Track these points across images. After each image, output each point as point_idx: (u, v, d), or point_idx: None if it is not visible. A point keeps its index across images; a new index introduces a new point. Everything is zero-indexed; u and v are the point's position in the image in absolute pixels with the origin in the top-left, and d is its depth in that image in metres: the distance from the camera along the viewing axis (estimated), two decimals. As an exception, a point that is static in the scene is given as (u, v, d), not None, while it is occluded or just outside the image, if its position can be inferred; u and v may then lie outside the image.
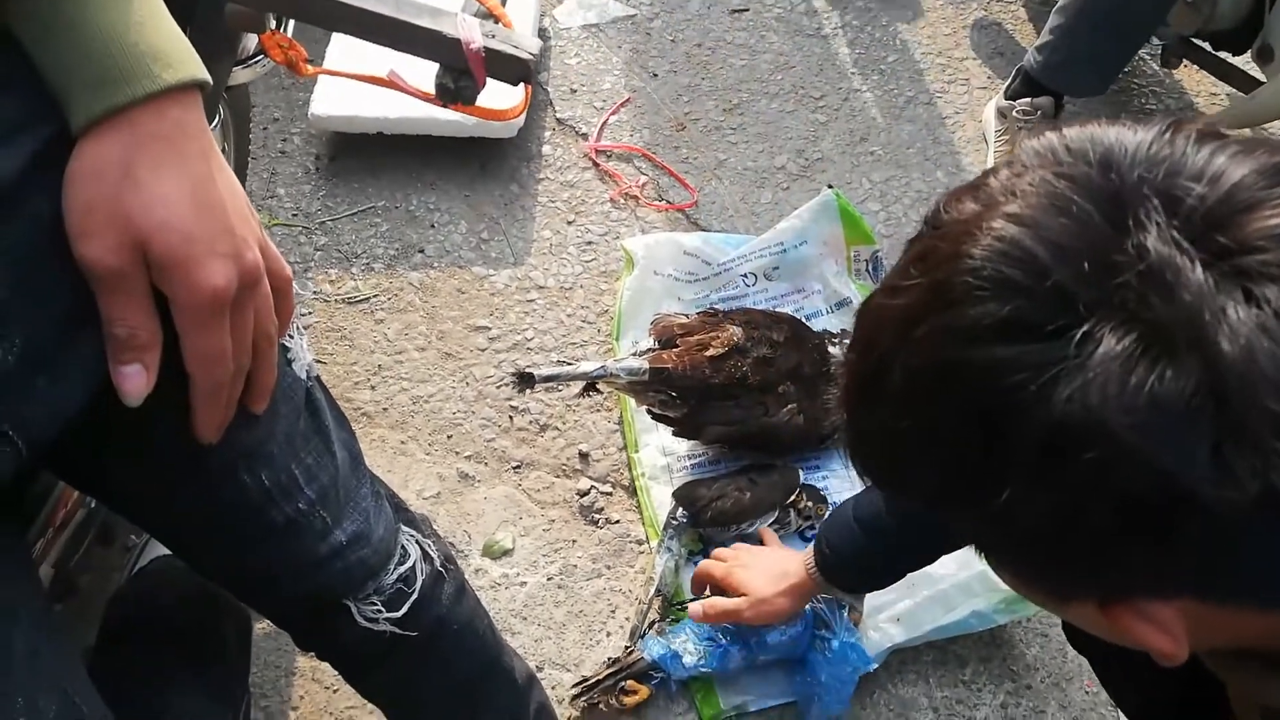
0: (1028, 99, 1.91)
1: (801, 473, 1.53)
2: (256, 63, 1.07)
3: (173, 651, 0.99)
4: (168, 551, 1.06)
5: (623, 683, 1.34)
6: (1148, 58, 2.16)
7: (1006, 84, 1.99)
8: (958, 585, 1.36)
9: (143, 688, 0.92)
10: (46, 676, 0.64)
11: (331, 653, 0.95)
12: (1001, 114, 1.96)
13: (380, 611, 0.86)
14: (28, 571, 0.71)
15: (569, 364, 1.67)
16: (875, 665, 1.35)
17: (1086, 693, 1.39)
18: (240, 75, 1.08)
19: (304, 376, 0.74)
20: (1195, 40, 1.94)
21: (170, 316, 0.57)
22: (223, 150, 1.12)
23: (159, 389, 0.58)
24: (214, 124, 1.07)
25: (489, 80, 0.96)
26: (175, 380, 0.59)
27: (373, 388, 1.68)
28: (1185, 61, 2.01)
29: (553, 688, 1.37)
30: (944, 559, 1.43)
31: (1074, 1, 1.85)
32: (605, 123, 2.02)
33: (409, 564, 0.88)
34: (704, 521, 1.45)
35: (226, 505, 0.73)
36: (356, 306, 1.78)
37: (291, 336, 0.73)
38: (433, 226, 1.88)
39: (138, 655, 0.97)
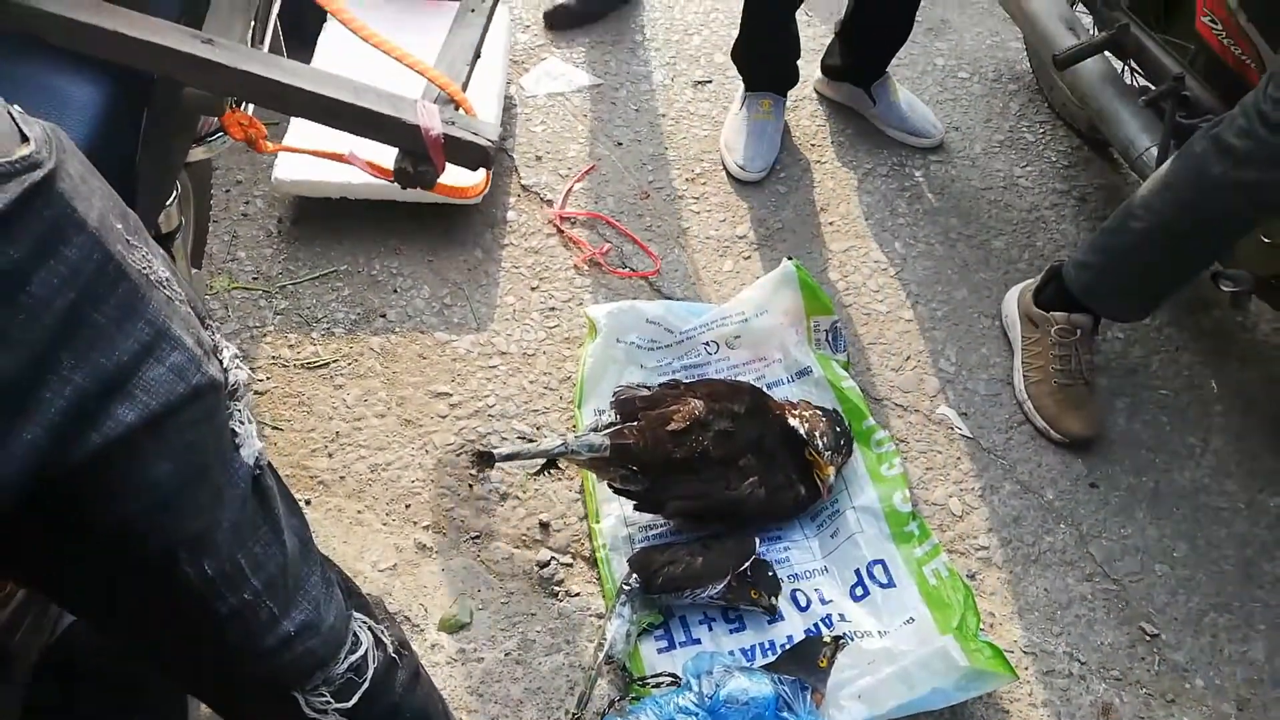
0: (1065, 315, 1.73)
1: (763, 544, 1.52)
2: (216, 139, 1.07)
3: (107, 700, 0.94)
4: None
5: (581, 765, 1.31)
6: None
7: (1037, 283, 1.80)
8: (919, 662, 1.36)
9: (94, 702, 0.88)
10: None
11: (278, 744, 0.92)
12: (1032, 321, 1.78)
13: (329, 703, 0.84)
14: None
15: (530, 440, 1.66)
16: (837, 746, 1.33)
17: (1047, 770, 1.39)
18: (199, 152, 1.08)
19: (251, 463, 0.73)
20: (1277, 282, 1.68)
21: None
22: (179, 223, 1.11)
23: (98, 482, 0.56)
24: (171, 199, 1.06)
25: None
26: (116, 475, 0.58)
27: (330, 455, 1.65)
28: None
29: (509, 770, 1.34)
30: (905, 635, 1.43)
31: (1123, 230, 1.64)
32: (570, 190, 2.04)
33: (360, 652, 0.86)
34: (655, 586, 1.44)
35: (166, 595, 0.71)
36: (316, 372, 1.75)
37: (241, 423, 0.71)
38: (395, 291, 1.87)
39: (70, 706, 0.92)
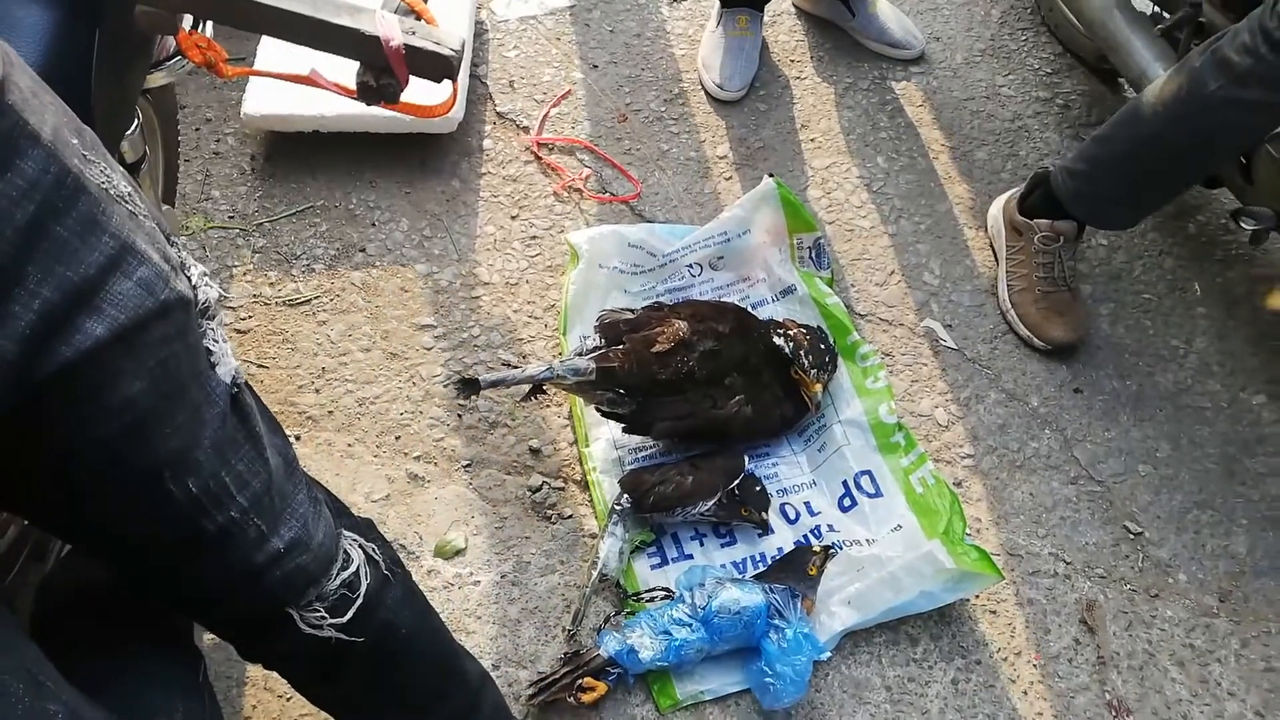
0: (1048, 222, 1.71)
1: (751, 461, 1.54)
2: (175, 64, 1.04)
3: (115, 619, 0.95)
4: None
5: (580, 680, 1.34)
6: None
7: (1022, 191, 1.77)
8: (906, 566, 1.38)
9: (91, 656, 0.89)
10: (9, 659, 0.62)
11: (277, 662, 0.94)
12: (1016, 229, 1.76)
13: (324, 618, 0.85)
14: None
15: (514, 367, 1.66)
16: (829, 653, 1.37)
17: (1034, 665, 1.42)
18: (158, 77, 1.05)
19: (229, 381, 0.73)
20: None
21: None
22: (144, 154, 1.09)
23: (73, 401, 0.56)
24: (133, 127, 1.03)
25: (414, 77, 0.94)
26: (90, 393, 0.58)
27: (317, 391, 1.65)
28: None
29: (509, 685, 1.37)
30: (893, 541, 1.45)
31: (1114, 139, 1.62)
32: (546, 115, 2.00)
33: (352, 569, 0.87)
34: (647, 506, 1.45)
35: (154, 517, 0.71)
36: (298, 309, 1.74)
37: (216, 341, 0.71)
38: (373, 225, 1.85)
39: (79, 629, 0.93)
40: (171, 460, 0.69)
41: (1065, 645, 1.44)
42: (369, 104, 0.95)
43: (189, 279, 0.71)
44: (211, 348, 0.71)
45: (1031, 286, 1.73)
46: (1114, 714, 1.39)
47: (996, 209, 1.85)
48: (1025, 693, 1.40)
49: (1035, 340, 1.72)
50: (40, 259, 0.59)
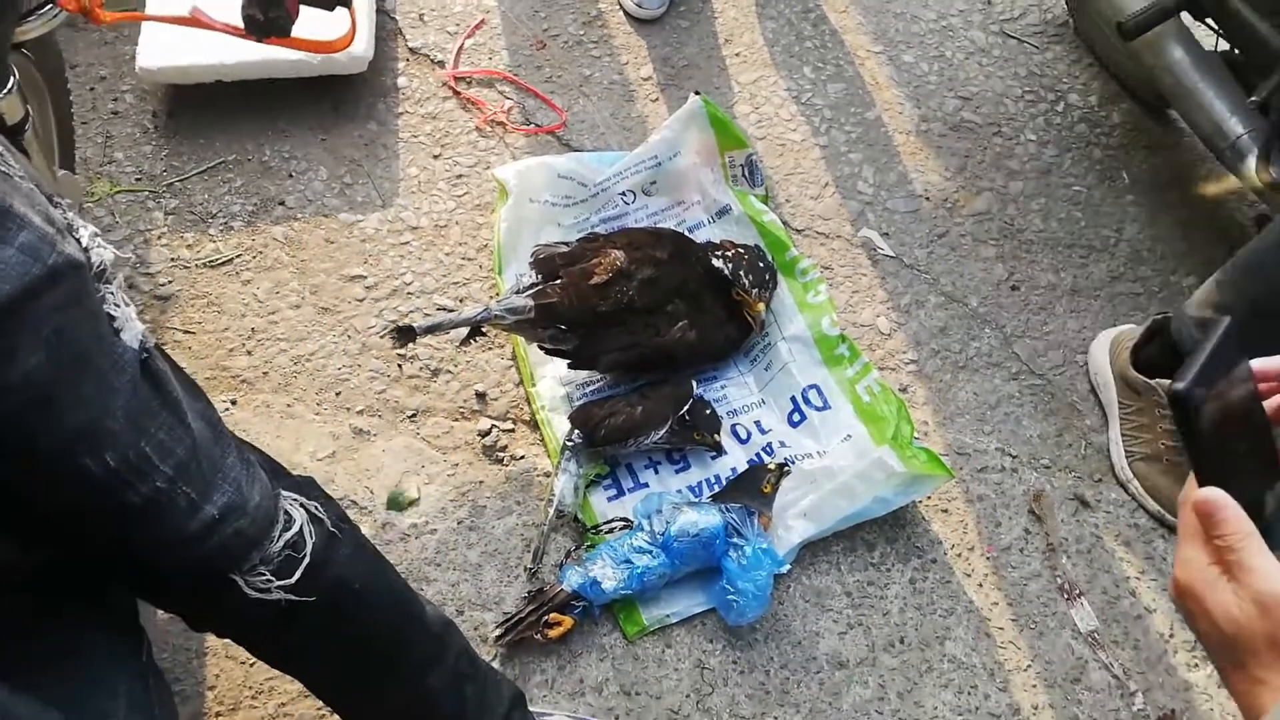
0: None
1: (699, 385, 1.53)
2: (48, 12, 0.97)
3: (46, 600, 0.91)
4: None
5: (545, 616, 1.34)
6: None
7: (1136, 340, 1.52)
8: (858, 474, 1.40)
9: (23, 638, 0.85)
10: None
11: (228, 630, 0.92)
12: (1133, 389, 1.51)
13: (270, 581, 0.83)
14: None
15: (451, 309, 1.62)
16: (788, 566, 1.38)
17: (987, 558, 1.46)
18: (31, 28, 0.97)
19: (136, 346, 0.69)
20: None
21: None
22: (26, 115, 1.01)
23: None
24: (9, 87, 0.96)
25: (304, 8, 0.89)
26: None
27: (249, 353, 1.60)
28: None
29: (475, 629, 1.36)
30: (843, 451, 1.46)
31: (1251, 283, 1.35)
32: (461, 48, 1.93)
33: (295, 529, 0.85)
34: (598, 440, 1.45)
35: (74, 493, 0.68)
36: (220, 269, 1.68)
37: (118, 305, 0.67)
38: (290, 176, 1.77)
39: (9, 609, 0.89)
40: (83, 434, 0.66)
41: (1016, 536, 1.48)
42: (259, 39, 0.90)
43: (78, 241, 0.66)
44: (113, 312, 0.67)
45: (1159, 455, 1.48)
46: (1066, 597, 1.44)
47: (1102, 354, 1.58)
48: (980, 585, 1.44)
49: (1168, 516, 1.48)
50: None
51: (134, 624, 0.90)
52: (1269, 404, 0.62)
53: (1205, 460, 0.57)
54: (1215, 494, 0.56)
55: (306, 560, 0.85)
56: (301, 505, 0.87)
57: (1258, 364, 0.63)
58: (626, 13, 1.99)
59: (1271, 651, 0.54)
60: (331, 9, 0.89)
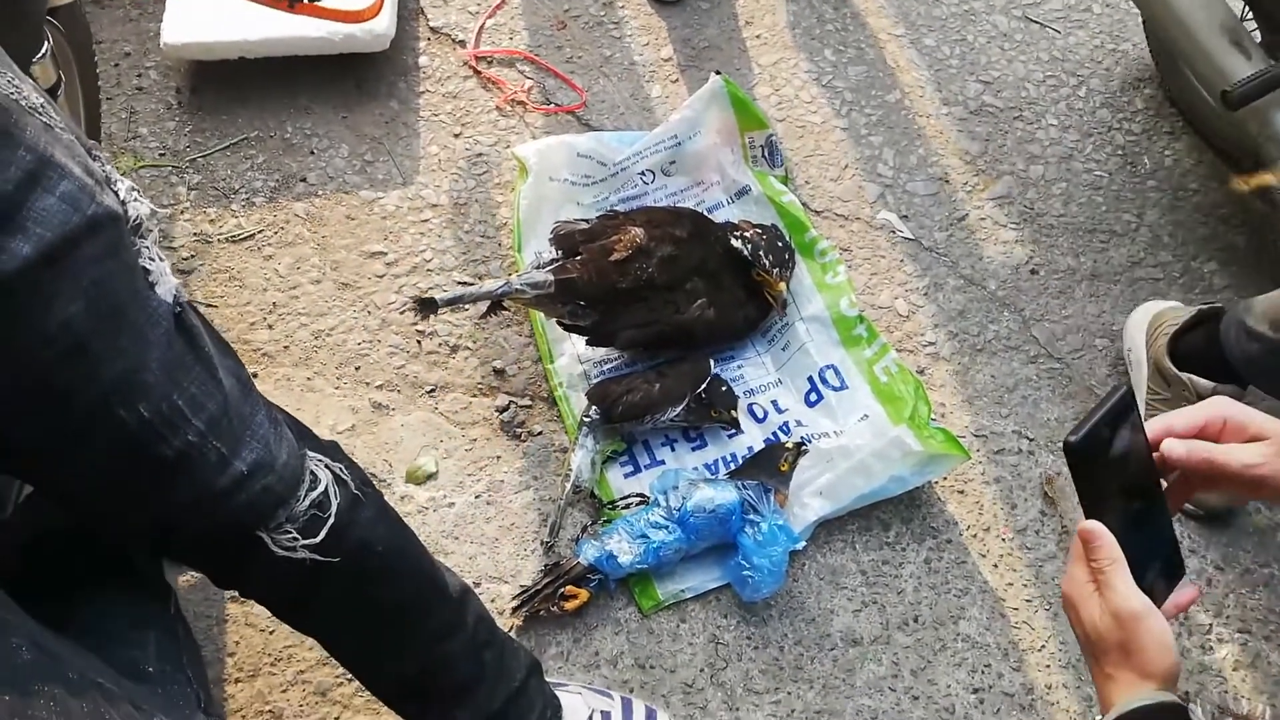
0: (1210, 385, 1.39)
1: (715, 364, 1.54)
2: (79, -23, 0.98)
3: (76, 563, 0.92)
4: None
5: (561, 589, 1.35)
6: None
7: (1179, 325, 1.45)
8: (875, 453, 1.40)
9: (53, 599, 0.87)
10: None
11: (253, 589, 0.93)
12: (1164, 378, 1.45)
13: (296, 539, 0.84)
14: None
15: (471, 284, 1.63)
16: (804, 543, 1.39)
17: (1003, 539, 1.46)
18: (63, -6, 0.98)
19: (170, 300, 0.70)
20: None
21: None
22: (58, 80, 1.03)
23: (5, 327, 0.53)
24: (43, 52, 0.97)
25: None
26: (23, 317, 0.55)
27: (270, 327, 1.61)
28: None
29: (491, 600, 1.38)
30: (860, 431, 1.47)
31: None
32: (482, 27, 1.93)
33: (320, 489, 0.86)
34: (615, 416, 1.45)
35: (110, 444, 0.69)
36: (242, 244, 1.69)
37: (153, 259, 0.68)
38: (312, 153, 1.79)
39: (40, 573, 0.91)
40: (118, 384, 0.67)
41: (1031, 518, 1.48)
42: (291, 7, 0.90)
43: (116, 194, 0.67)
44: (148, 266, 0.68)
45: None
46: (1081, 579, 1.44)
47: (1139, 331, 1.52)
48: (995, 565, 1.44)
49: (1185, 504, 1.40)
50: None
51: (160, 580, 0.92)
52: (1168, 448, 0.74)
53: (1091, 500, 0.70)
54: (1095, 525, 0.70)
55: (331, 520, 0.86)
56: (327, 467, 0.88)
57: (1163, 421, 0.75)
58: None
59: (1120, 654, 0.69)
60: (362, -27, 0.90)
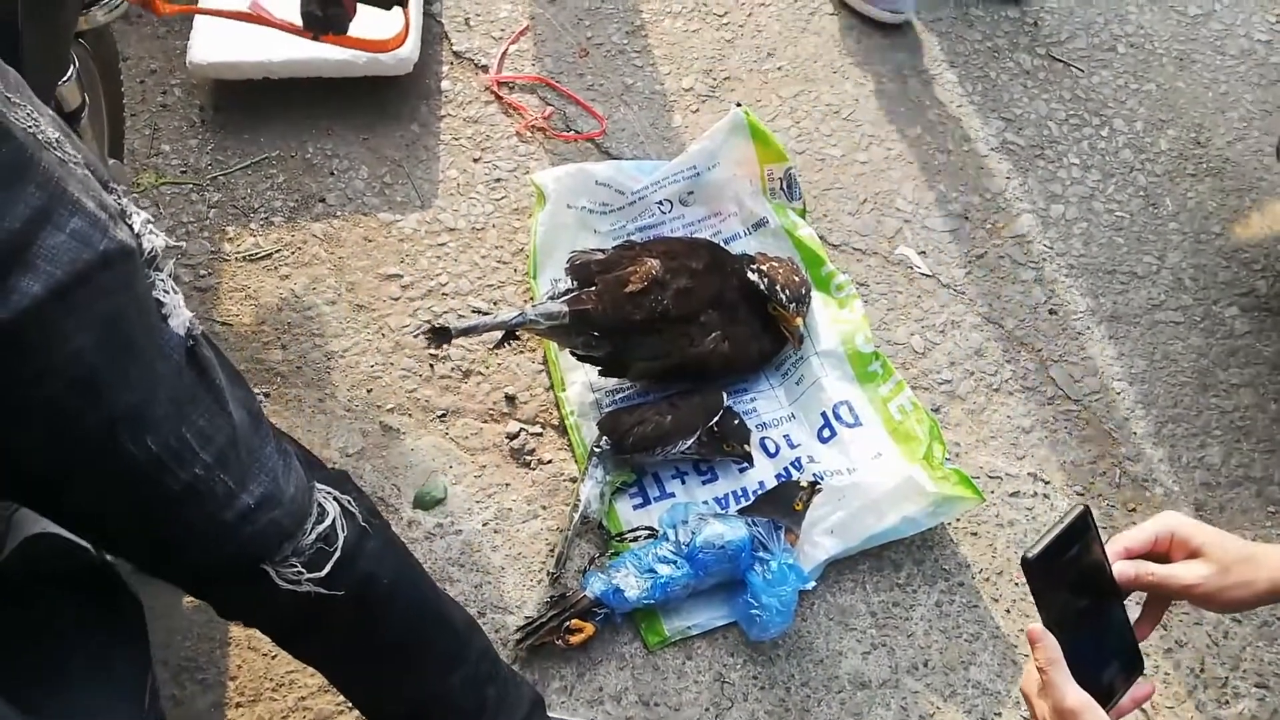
0: None
1: (729, 397, 1.52)
2: (109, 2, 0.99)
3: (65, 614, 0.92)
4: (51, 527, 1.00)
5: (567, 622, 1.34)
6: None
7: None
8: (887, 493, 1.39)
9: (32, 649, 0.86)
10: None
11: (256, 620, 0.92)
12: None
13: (301, 573, 0.83)
14: None
15: (485, 313, 1.63)
16: (813, 583, 1.37)
17: (1016, 584, 1.44)
18: (93, 17, 0.99)
19: (183, 333, 0.70)
20: None
21: None
22: (83, 102, 1.03)
23: (16, 362, 0.53)
24: (68, 73, 0.98)
25: (361, 6, 0.90)
26: (34, 352, 0.54)
27: (284, 347, 1.61)
28: None
29: (496, 631, 1.36)
30: (873, 469, 1.45)
31: None
32: (505, 53, 1.94)
33: (327, 522, 0.85)
34: (627, 447, 1.44)
35: (117, 476, 0.68)
36: (259, 263, 1.70)
37: (166, 292, 0.68)
38: (332, 174, 1.79)
39: (24, 618, 0.90)
40: (127, 417, 0.66)
41: (1046, 563, 1.46)
42: (317, 36, 0.91)
43: (131, 227, 0.67)
44: (162, 299, 0.68)
45: None
46: (1095, 627, 1.41)
47: None
48: (1008, 610, 1.42)
49: None
50: None
51: (143, 656, 0.91)
52: (1119, 570, 0.79)
53: (1048, 608, 0.75)
54: (1037, 629, 0.75)
55: (337, 554, 0.86)
56: (335, 499, 0.87)
57: (1118, 540, 0.81)
58: (872, 19, 1.99)
59: None
60: (389, 8, 0.91)
